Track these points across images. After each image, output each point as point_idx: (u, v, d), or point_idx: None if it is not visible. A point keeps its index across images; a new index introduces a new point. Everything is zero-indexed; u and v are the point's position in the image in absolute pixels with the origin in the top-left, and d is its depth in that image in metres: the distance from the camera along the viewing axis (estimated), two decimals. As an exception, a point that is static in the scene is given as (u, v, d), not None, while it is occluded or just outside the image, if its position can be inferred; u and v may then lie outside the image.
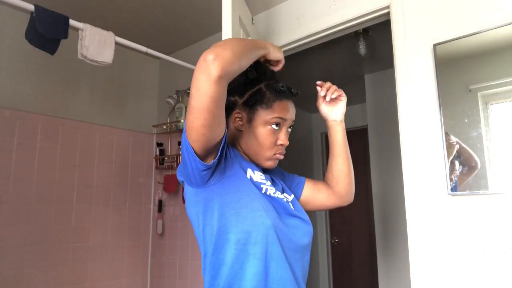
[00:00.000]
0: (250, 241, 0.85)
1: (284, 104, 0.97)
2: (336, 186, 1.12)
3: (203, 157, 0.84)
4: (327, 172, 1.14)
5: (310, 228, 0.98)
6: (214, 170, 0.86)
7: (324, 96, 1.06)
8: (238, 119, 0.97)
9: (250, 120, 0.95)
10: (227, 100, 0.96)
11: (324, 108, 1.10)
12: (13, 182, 2.15)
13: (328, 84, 1.07)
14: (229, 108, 0.97)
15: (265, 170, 1.04)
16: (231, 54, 0.77)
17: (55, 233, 2.30)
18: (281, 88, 0.96)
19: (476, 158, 1.43)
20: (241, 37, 1.66)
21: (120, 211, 2.69)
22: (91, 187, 2.53)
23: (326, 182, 1.15)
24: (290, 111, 0.98)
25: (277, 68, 1.03)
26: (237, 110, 0.97)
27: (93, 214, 2.52)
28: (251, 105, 0.95)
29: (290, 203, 0.98)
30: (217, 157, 0.85)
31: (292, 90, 0.98)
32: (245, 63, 0.85)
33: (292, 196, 1.05)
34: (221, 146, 0.85)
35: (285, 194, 1.02)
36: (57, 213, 2.32)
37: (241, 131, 0.97)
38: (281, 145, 0.98)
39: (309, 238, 0.97)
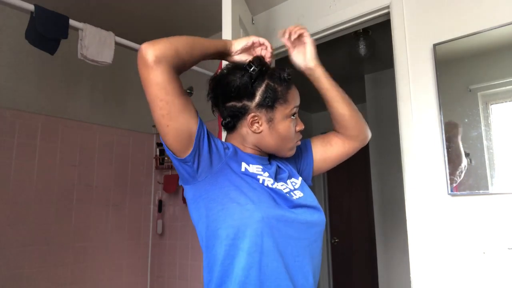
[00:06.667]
0: (239, 236, 0.83)
1: (293, 91, 0.96)
2: (346, 130, 1.06)
3: (182, 151, 0.84)
4: (331, 120, 1.08)
5: (318, 215, 0.93)
6: (198, 164, 0.85)
7: (291, 42, 1.03)
8: (255, 122, 0.93)
9: (271, 120, 0.93)
10: (233, 108, 0.93)
11: (296, 58, 1.06)
12: (13, 182, 2.15)
13: (290, 28, 1.03)
14: (240, 114, 0.93)
15: (271, 158, 1.02)
16: (165, 41, 0.81)
17: (55, 233, 2.30)
18: (288, 77, 0.94)
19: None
20: (241, 37, 1.66)
21: (120, 211, 2.69)
22: (91, 187, 2.53)
23: (334, 130, 1.10)
24: (298, 96, 0.98)
25: (266, 53, 1.02)
26: (252, 114, 0.92)
27: (93, 214, 2.52)
28: (269, 105, 0.92)
29: (293, 192, 0.94)
30: (192, 150, 0.83)
31: (290, 74, 0.97)
32: (188, 51, 0.85)
33: (300, 180, 1.01)
34: (195, 137, 0.84)
35: (292, 179, 0.99)
36: (57, 213, 2.32)
37: (259, 133, 0.94)
38: (299, 131, 0.98)
39: (318, 227, 0.93)
